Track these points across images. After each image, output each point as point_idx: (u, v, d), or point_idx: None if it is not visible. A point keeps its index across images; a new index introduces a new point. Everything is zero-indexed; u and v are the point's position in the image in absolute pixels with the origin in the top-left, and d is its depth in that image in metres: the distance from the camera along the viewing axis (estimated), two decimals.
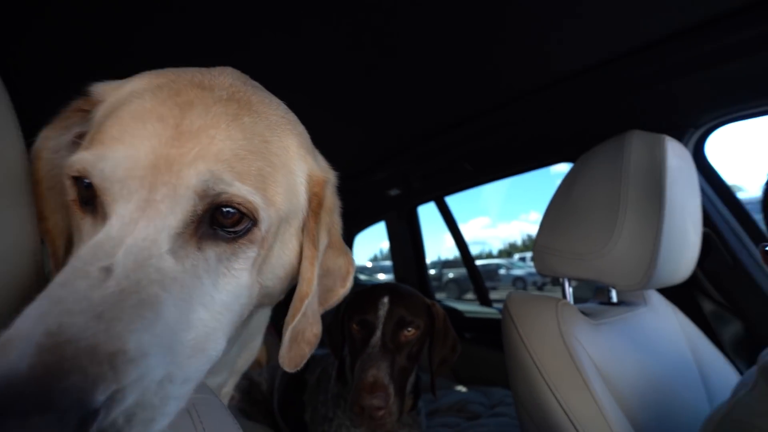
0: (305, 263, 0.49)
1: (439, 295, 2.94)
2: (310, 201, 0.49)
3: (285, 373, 1.39)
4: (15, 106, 0.37)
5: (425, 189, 2.02)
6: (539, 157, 1.47)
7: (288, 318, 0.48)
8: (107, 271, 0.31)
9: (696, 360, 0.96)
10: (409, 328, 0.96)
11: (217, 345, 0.38)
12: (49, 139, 0.44)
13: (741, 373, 0.99)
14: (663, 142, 0.80)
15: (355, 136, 1.60)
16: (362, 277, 3.85)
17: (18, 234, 0.35)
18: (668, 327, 0.98)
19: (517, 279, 11.80)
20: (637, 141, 0.82)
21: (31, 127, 0.42)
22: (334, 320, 1.08)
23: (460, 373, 1.99)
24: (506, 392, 1.54)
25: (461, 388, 1.78)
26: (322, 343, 1.12)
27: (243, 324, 0.56)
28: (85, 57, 0.93)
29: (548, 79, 1.13)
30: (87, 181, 0.37)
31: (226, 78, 0.44)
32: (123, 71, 0.46)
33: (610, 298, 1.01)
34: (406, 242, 2.36)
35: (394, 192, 2.07)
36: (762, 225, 0.57)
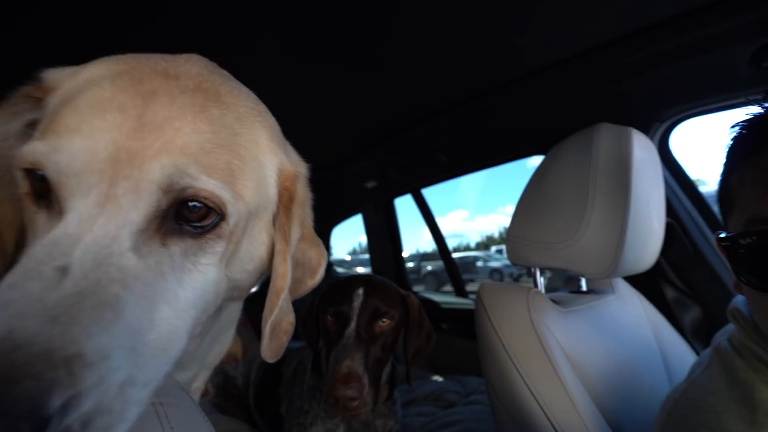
0: (278, 258, 0.48)
1: (418, 288, 2.98)
2: (280, 195, 0.48)
3: (261, 366, 1.38)
4: None
5: (402, 181, 2.02)
6: (513, 150, 1.49)
7: (266, 313, 0.48)
8: (63, 271, 0.29)
9: (658, 344, 1.00)
10: (384, 319, 0.96)
11: (179, 344, 0.37)
12: None
13: (698, 355, 1.05)
14: (629, 134, 0.82)
15: (330, 127, 1.58)
16: (340, 270, 3.84)
17: None
18: (633, 313, 1.02)
19: (494, 271, 12.03)
20: (605, 133, 0.84)
21: None
22: (309, 312, 1.07)
23: (436, 363, 2.02)
24: (481, 380, 1.58)
25: (437, 378, 1.81)
26: (297, 336, 1.12)
27: (213, 318, 0.55)
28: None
29: (521, 72, 1.14)
30: (41, 173, 0.35)
31: (193, 66, 0.42)
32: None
33: (579, 286, 1.04)
34: (383, 235, 2.37)
35: (370, 184, 2.07)
36: (720, 216, 0.59)
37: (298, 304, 0.97)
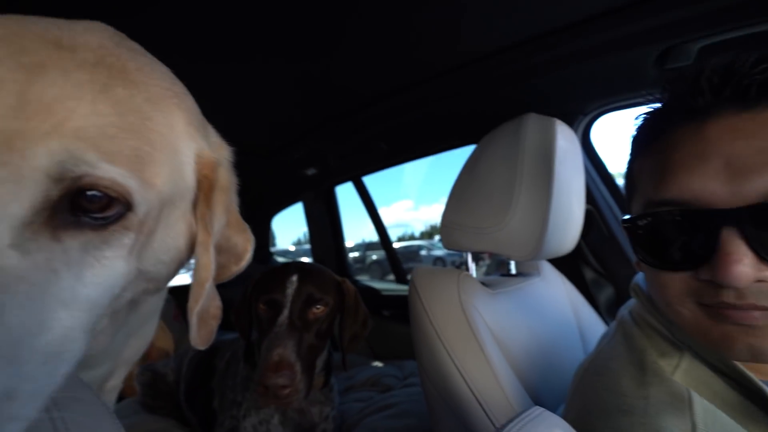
0: (200, 249, 0.45)
1: (363, 277, 2.99)
2: (200, 182, 0.45)
3: (192, 360, 1.31)
4: None
5: (342, 168, 2.01)
6: (450, 139, 1.53)
7: (191, 303, 0.46)
8: None
9: (577, 321, 1.08)
10: (318, 306, 0.95)
11: (76, 345, 0.33)
12: None
13: None
14: (554, 125, 0.87)
15: (268, 113, 1.52)
16: (282, 260, 3.77)
17: None
18: (556, 294, 1.09)
19: (438, 259, 12.41)
20: (532, 124, 0.88)
21: None
22: (242, 301, 1.04)
23: (377, 350, 2.04)
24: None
25: (378, 364, 1.84)
26: (231, 327, 1.07)
27: (128, 312, 0.51)
28: None
29: (456, 62, 1.17)
30: None
31: (94, 36, 0.36)
32: None
33: (509, 270, 1.10)
34: (324, 223, 2.34)
35: (310, 171, 2.03)
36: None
37: (233, 294, 0.94)
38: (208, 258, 0.46)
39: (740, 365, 0.48)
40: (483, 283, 0.91)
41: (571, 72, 1.10)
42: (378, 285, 2.29)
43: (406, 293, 2.17)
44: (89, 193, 0.32)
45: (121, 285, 0.37)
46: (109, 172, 0.32)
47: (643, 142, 0.55)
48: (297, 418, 1.04)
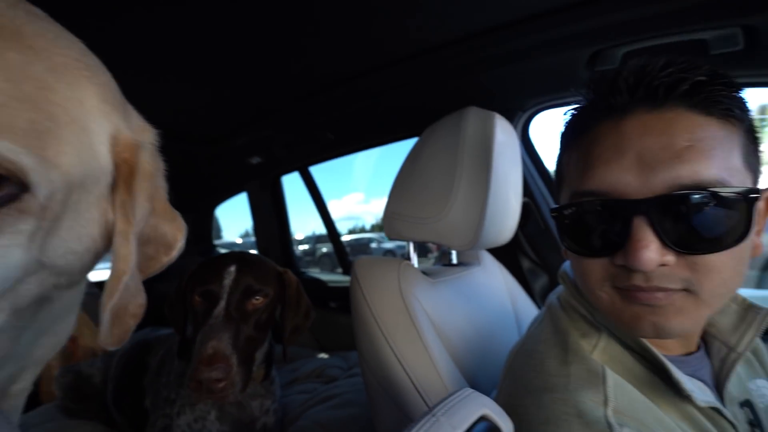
0: (118, 238, 0.41)
1: (314, 270, 2.94)
2: (118, 166, 0.41)
3: (122, 359, 1.23)
4: None
5: (288, 158, 1.96)
6: (396, 130, 1.54)
7: (104, 297, 0.42)
8: None
9: (514, 309, 1.13)
10: (258, 297, 0.93)
11: None
12: None
13: None
14: (493, 118, 0.89)
15: (208, 97, 1.44)
16: None
17: None
18: (495, 283, 1.13)
19: (388, 252, 12.50)
20: (472, 117, 0.90)
21: None
22: (176, 294, 0.98)
23: (323, 342, 2.03)
24: None
25: (323, 356, 1.83)
26: (166, 322, 1.02)
27: (37, 309, 0.46)
28: None
29: (403, 53, 1.17)
30: None
31: None
32: None
33: (450, 260, 1.12)
34: (270, 214, 2.28)
35: (255, 160, 1.96)
36: None
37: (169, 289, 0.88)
38: (127, 248, 0.42)
39: (646, 342, 0.52)
40: (424, 273, 0.93)
41: (512, 69, 1.14)
42: (325, 277, 2.27)
43: None
44: None
45: (16, 277, 0.34)
46: None
47: (570, 136, 0.58)
48: (235, 412, 1.00)
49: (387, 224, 0.92)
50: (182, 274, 0.97)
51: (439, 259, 1.23)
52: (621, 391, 0.51)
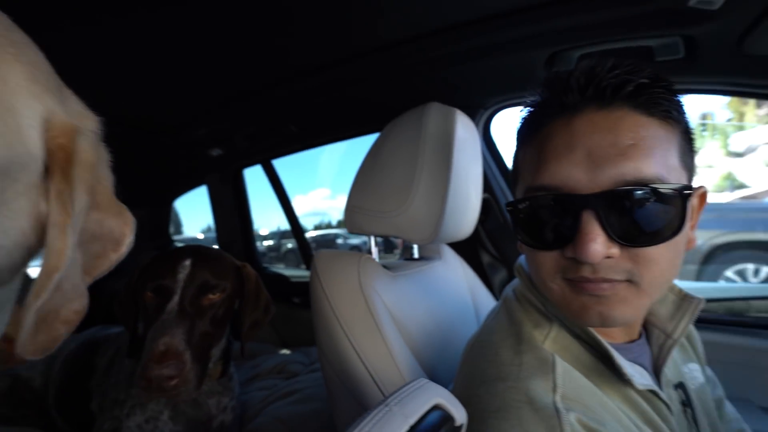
0: (53, 231, 0.38)
1: (278, 266, 2.87)
2: (53, 153, 0.37)
3: (66, 361, 1.16)
4: None
5: (250, 150, 1.90)
6: (360, 125, 1.53)
7: (30, 297, 0.38)
8: None
9: (473, 302, 1.16)
10: (215, 291, 0.90)
11: None
12: None
13: None
14: (454, 114, 0.90)
15: (167, 84, 1.38)
16: None
17: None
18: (455, 277, 1.16)
19: (354, 247, 12.49)
20: (434, 112, 0.91)
21: None
22: (126, 289, 0.94)
23: (286, 337, 2.00)
24: None
25: (285, 352, 1.81)
26: (116, 320, 0.96)
27: None
28: None
29: (368, 47, 1.16)
30: None
31: None
32: None
33: (412, 254, 1.13)
34: (231, 208, 2.21)
35: (215, 152, 1.89)
36: None
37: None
38: (64, 242, 0.38)
39: (593, 331, 0.55)
40: (385, 267, 0.93)
41: (473, 67, 1.16)
42: (288, 272, 2.24)
43: None
44: None
45: None
46: None
47: (525, 133, 0.60)
48: (191, 411, 0.97)
49: (348, 218, 0.92)
50: (121, 268, 0.92)
51: (402, 253, 1.24)
52: (569, 378, 0.53)
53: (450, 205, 0.87)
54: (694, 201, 0.56)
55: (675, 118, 0.51)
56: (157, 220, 2.59)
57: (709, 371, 0.77)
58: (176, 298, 0.84)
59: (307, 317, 1.94)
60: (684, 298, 0.64)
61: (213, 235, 2.45)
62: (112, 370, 1.03)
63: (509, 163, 1.41)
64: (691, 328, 0.75)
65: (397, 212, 0.85)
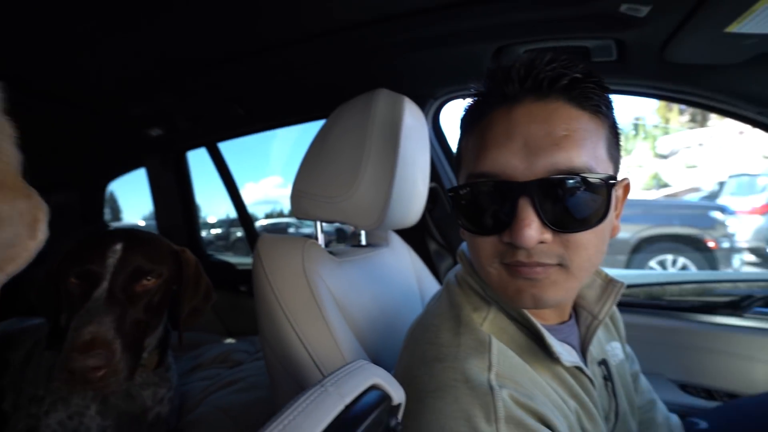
0: None
1: (227, 255, 2.75)
2: None
3: None
4: None
5: (194, 132, 1.81)
6: (309, 110, 1.50)
7: None
8: None
9: (420, 288, 1.18)
10: (149, 277, 0.85)
11: None
12: None
13: None
14: (402, 102, 0.91)
15: (98, 55, 1.26)
16: None
17: None
18: (402, 263, 1.17)
19: (306, 237, 12.30)
20: (383, 98, 0.91)
21: None
22: (47, 276, 0.86)
23: (231, 326, 1.95)
24: None
25: (230, 341, 1.75)
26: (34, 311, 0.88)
27: None
28: None
29: (316, 29, 1.13)
30: None
31: None
32: None
33: (360, 241, 1.14)
34: (173, 193, 2.09)
35: (155, 132, 1.77)
36: None
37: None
38: None
39: (527, 313, 0.58)
40: (331, 253, 0.92)
41: (424, 56, 1.17)
42: (234, 259, 2.16)
43: None
44: None
45: None
46: None
47: (468, 122, 0.61)
48: (122, 404, 0.92)
49: (294, 202, 0.90)
50: (42, 256, 0.85)
51: (350, 240, 1.24)
52: (503, 358, 0.56)
53: (396, 192, 0.87)
54: (619, 191, 0.60)
55: (604, 112, 0.55)
56: (89, 204, 2.39)
57: (628, 348, 0.84)
58: (105, 285, 0.78)
59: (253, 306, 1.90)
60: (609, 282, 0.69)
61: (155, 222, 2.31)
62: (29, 364, 0.94)
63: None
64: (615, 309, 0.82)
65: (344, 197, 0.84)
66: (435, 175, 1.33)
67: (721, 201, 5.13)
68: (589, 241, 0.52)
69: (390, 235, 1.20)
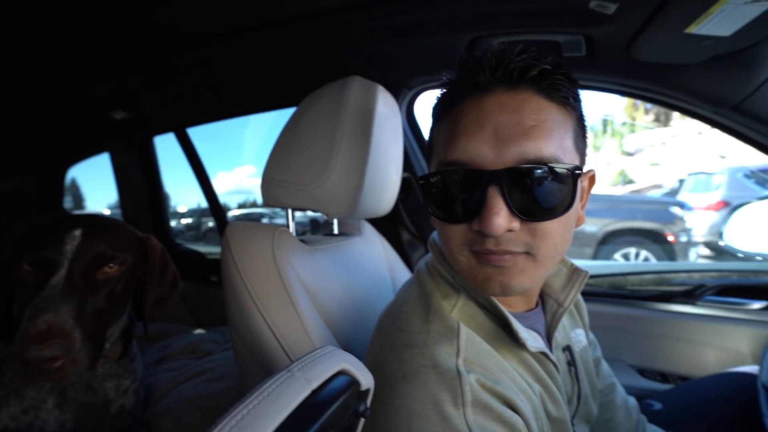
0: None
1: (197, 245, 2.65)
2: None
3: None
4: None
5: (161, 116, 1.74)
6: (280, 97, 1.47)
7: None
8: None
9: (392, 278, 1.19)
10: (111, 264, 0.81)
11: None
12: None
13: None
14: (376, 90, 0.90)
15: (56, 29, 1.18)
16: None
17: None
18: (374, 253, 1.17)
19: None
20: (356, 86, 0.90)
21: None
22: None
23: (201, 317, 1.91)
24: None
25: (200, 331, 1.72)
26: None
27: None
28: None
29: (290, 13, 1.10)
30: None
31: None
32: None
33: (332, 230, 1.13)
34: (139, 180, 2.01)
35: (119, 115, 1.69)
36: None
37: None
38: None
39: (495, 300, 0.59)
40: (302, 241, 0.91)
41: (400, 45, 1.16)
42: (204, 249, 2.11)
43: None
44: None
45: None
46: None
47: (440, 110, 0.61)
48: (83, 396, 0.88)
49: (265, 190, 0.88)
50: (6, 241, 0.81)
51: (323, 229, 1.23)
52: (471, 344, 0.57)
53: (369, 180, 0.87)
54: (584, 182, 0.62)
55: (572, 105, 0.56)
56: (46, 190, 2.27)
57: (591, 336, 0.87)
58: (62, 272, 0.74)
59: (222, 295, 1.86)
60: (574, 271, 0.71)
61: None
62: None
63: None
64: (580, 298, 0.85)
65: (316, 185, 0.83)
66: (408, 165, 1.33)
67: (680, 198, 5.40)
68: (555, 230, 0.54)
69: (363, 225, 1.20)
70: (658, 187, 8.25)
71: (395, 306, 0.68)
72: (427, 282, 0.66)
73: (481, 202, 0.52)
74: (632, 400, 0.92)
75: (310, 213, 1.29)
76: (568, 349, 0.75)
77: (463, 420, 0.48)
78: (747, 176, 4.64)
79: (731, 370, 1.12)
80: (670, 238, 4.50)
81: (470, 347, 0.56)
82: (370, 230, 1.21)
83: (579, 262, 0.72)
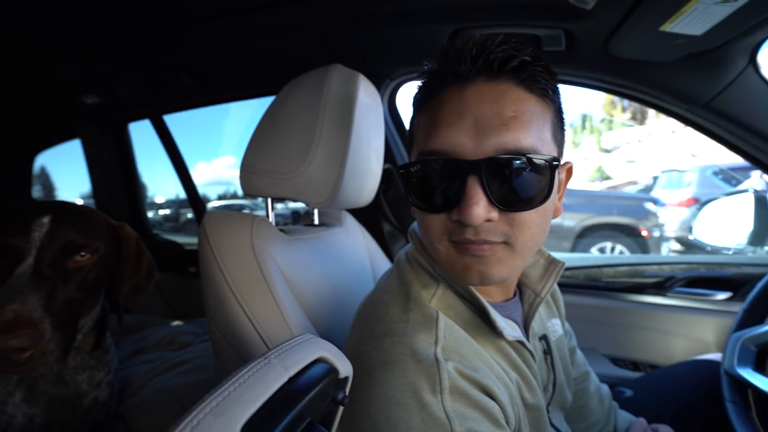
0: None
1: (176, 236, 2.59)
2: None
3: None
4: None
5: (136, 101, 1.68)
6: (259, 85, 1.44)
7: None
8: None
9: (372, 269, 1.19)
10: (83, 253, 0.79)
11: None
12: None
13: None
14: (357, 78, 0.89)
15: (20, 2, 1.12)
16: None
17: None
18: (355, 243, 1.17)
19: None
20: (337, 74, 0.88)
21: None
22: None
23: (179, 308, 1.87)
24: None
25: (177, 323, 1.69)
26: None
27: None
28: None
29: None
30: None
31: None
32: None
33: (313, 220, 1.12)
34: (113, 168, 1.95)
35: (90, 99, 1.63)
36: None
37: None
38: None
39: (474, 290, 0.60)
40: (282, 231, 0.90)
41: (382, 34, 1.16)
42: (182, 239, 2.06)
43: None
44: None
45: None
46: None
47: (421, 100, 0.61)
48: (53, 389, 0.86)
49: (243, 178, 0.87)
50: None
51: (303, 220, 1.22)
52: (450, 332, 0.57)
53: (349, 170, 0.86)
54: (562, 174, 0.63)
55: (551, 97, 0.57)
56: (11, 178, 2.17)
57: (567, 325, 0.89)
58: (30, 260, 0.72)
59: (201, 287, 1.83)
60: (551, 262, 0.73)
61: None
62: None
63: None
64: (556, 288, 0.87)
65: (295, 174, 0.82)
66: (390, 156, 1.33)
67: (654, 194, 5.58)
68: (532, 220, 0.55)
69: (343, 215, 1.19)
70: (634, 183, 8.49)
71: (375, 295, 0.68)
72: (406, 272, 0.67)
73: (461, 192, 0.52)
74: (605, 388, 0.95)
75: (291, 205, 1.28)
76: (544, 338, 0.76)
77: (441, 407, 0.49)
78: (716, 174, 4.82)
79: (697, 357, 1.17)
80: (644, 233, 4.66)
81: (449, 336, 0.57)
82: (351, 221, 1.21)
83: (557, 255, 0.73)
